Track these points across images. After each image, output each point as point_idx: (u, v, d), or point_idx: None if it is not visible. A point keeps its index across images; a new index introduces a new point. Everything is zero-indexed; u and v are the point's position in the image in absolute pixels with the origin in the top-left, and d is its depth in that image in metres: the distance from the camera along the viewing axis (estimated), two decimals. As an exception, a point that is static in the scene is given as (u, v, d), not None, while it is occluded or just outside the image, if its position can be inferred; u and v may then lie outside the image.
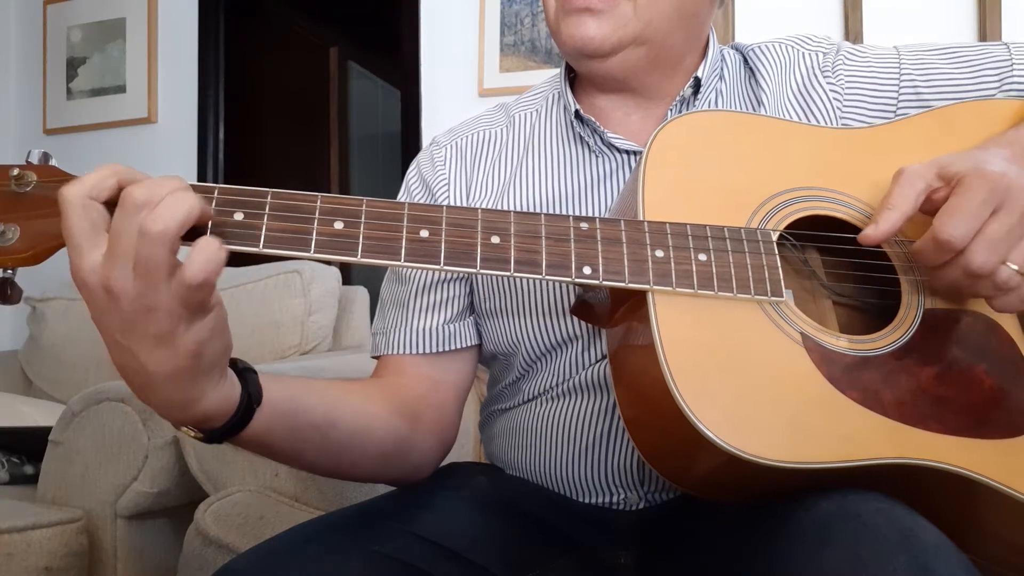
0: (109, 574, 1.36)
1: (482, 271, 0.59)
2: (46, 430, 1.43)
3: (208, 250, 0.51)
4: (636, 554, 0.76)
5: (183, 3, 2.59)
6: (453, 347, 0.83)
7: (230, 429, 0.60)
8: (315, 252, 0.57)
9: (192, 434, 0.60)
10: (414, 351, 0.82)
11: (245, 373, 0.61)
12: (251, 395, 0.60)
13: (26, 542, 1.26)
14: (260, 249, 0.56)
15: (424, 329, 0.82)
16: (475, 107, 0.98)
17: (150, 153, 2.58)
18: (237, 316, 1.75)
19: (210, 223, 0.56)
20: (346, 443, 0.71)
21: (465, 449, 0.87)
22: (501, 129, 0.89)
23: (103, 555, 1.35)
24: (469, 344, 0.84)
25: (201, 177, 2.56)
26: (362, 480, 0.81)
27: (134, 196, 0.50)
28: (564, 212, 0.81)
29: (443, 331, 0.82)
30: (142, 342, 0.52)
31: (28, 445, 1.59)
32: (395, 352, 0.83)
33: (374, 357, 0.87)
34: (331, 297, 1.92)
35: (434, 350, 0.82)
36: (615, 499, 0.78)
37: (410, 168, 0.91)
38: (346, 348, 1.96)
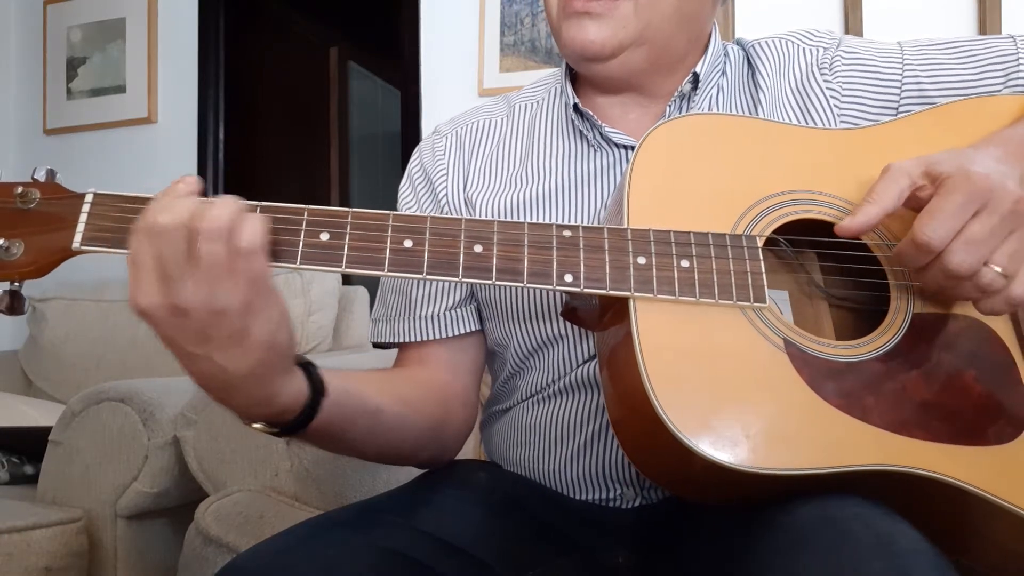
0: (109, 574, 1.36)
1: (464, 280, 0.60)
2: (46, 430, 1.43)
3: (253, 221, 0.54)
4: (634, 554, 0.76)
5: (183, 3, 2.59)
6: (460, 331, 0.84)
7: (303, 421, 0.62)
8: (301, 263, 0.58)
9: (266, 430, 0.62)
10: (425, 337, 0.83)
11: (307, 367, 0.63)
12: (315, 386, 0.63)
13: (26, 542, 1.26)
14: None
15: (429, 316, 0.84)
16: (475, 107, 0.98)
17: (150, 153, 2.57)
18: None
19: None
20: (391, 427, 0.74)
21: (465, 448, 0.87)
22: (501, 119, 0.89)
23: (103, 555, 1.35)
24: (475, 328, 0.85)
25: (201, 177, 2.55)
26: (400, 462, 0.84)
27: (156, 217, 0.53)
28: (561, 205, 0.81)
29: (447, 317, 0.84)
30: (218, 346, 0.54)
31: (28, 445, 1.59)
32: (401, 340, 0.84)
33: (375, 344, 0.88)
34: (331, 297, 1.92)
35: (442, 335, 0.83)
36: (611, 495, 0.78)
37: (412, 156, 0.92)
38: (346, 348, 1.96)
